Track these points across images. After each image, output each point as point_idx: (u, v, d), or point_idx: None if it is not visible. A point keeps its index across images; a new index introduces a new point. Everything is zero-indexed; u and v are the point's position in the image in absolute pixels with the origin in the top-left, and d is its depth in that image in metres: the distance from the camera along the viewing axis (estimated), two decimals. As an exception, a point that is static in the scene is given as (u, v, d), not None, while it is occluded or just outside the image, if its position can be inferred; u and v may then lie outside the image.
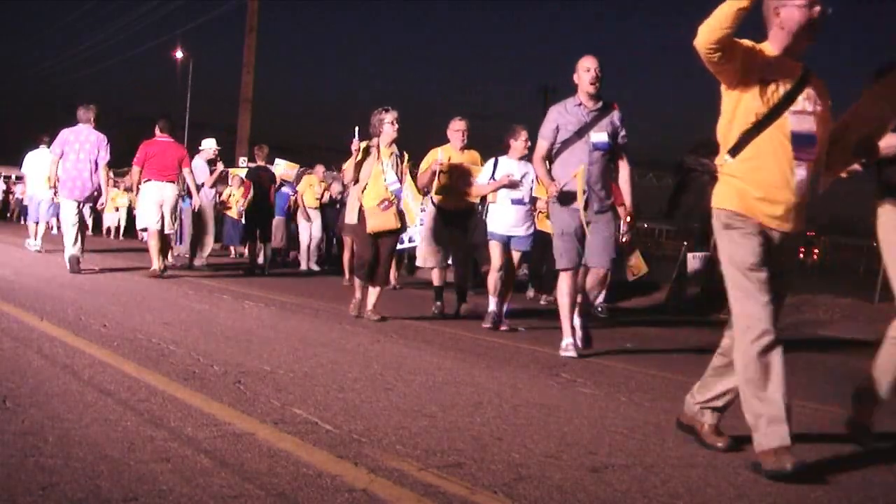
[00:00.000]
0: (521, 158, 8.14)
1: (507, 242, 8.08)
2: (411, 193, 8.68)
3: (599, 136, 6.43)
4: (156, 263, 10.61)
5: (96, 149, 10.35)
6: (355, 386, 4.68)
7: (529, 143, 7.92)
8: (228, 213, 15.86)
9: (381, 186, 7.82)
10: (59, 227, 12.71)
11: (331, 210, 14.90)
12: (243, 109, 22.37)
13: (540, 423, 4.14)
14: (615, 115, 6.53)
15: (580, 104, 6.50)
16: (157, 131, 11.02)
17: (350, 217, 8.01)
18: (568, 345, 6.43)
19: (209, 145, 13.30)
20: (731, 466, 3.58)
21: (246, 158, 22.20)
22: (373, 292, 7.98)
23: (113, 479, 2.80)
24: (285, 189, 15.16)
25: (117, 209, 22.53)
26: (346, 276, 11.69)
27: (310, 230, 14.82)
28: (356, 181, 7.91)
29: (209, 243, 13.21)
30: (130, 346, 5.37)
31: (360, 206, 7.83)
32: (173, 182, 10.84)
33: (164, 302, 8.19)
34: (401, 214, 8.06)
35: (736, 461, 3.67)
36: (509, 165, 8.17)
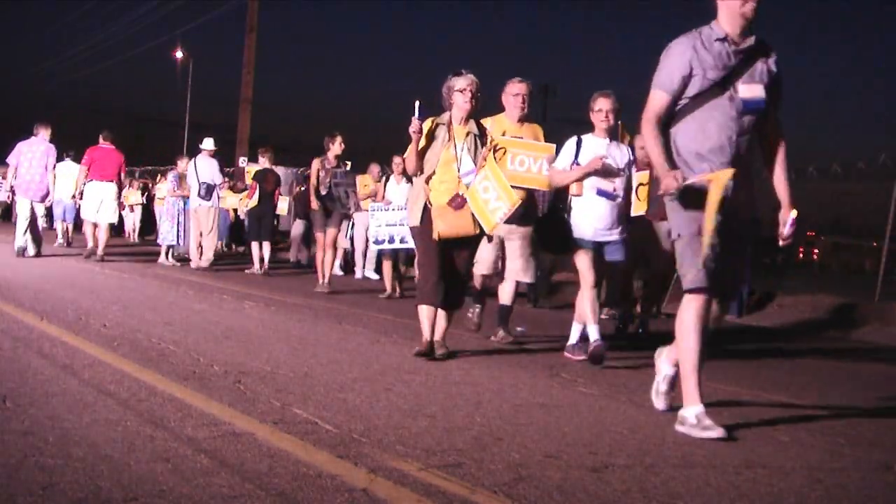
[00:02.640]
0: (612, 137, 6.30)
1: (598, 250, 6.18)
2: (496, 189, 5.82)
3: (752, 90, 4.12)
4: (90, 246, 13.14)
5: (46, 156, 12.41)
6: (355, 386, 4.68)
7: (614, 120, 6.22)
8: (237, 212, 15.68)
9: (454, 177, 5.91)
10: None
11: None
12: (243, 109, 22.33)
13: (540, 423, 4.14)
14: (772, 61, 4.22)
15: (725, 38, 4.11)
16: (101, 140, 12.95)
17: (412, 218, 6.12)
18: (707, 425, 4.03)
19: (208, 145, 13.36)
20: (731, 466, 3.58)
21: (246, 158, 22.20)
22: (441, 319, 6.03)
23: (113, 479, 2.80)
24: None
25: (132, 209, 22.38)
26: (320, 279, 10.71)
27: (366, 234, 13.44)
28: (420, 171, 6.08)
29: (210, 245, 13.18)
30: (130, 346, 5.37)
31: (426, 204, 5.98)
32: (112, 182, 12.89)
33: (164, 302, 8.19)
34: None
35: (736, 461, 3.67)
36: (597, 145, 6.16)
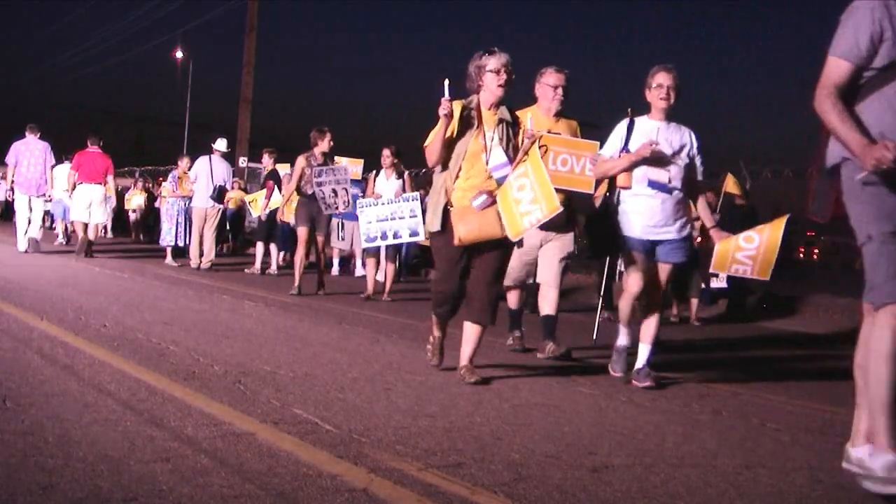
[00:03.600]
0: (669, 119, 5.32)
1: (650, 250, 5.33)
2: (535, 190, 4.88)
3: None
4: (86, 242, 13.46)
5: (43, 154, 13.15)
6: (355, 386, 4.68)
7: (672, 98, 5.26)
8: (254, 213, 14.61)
9: (482, 171, 5.08)
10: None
11: None
12: (243, 109, 22.36)
13: (540, 423, 4.14)
14: None
15: None
16: (88, 144, 13.48)
17: (432, 221, 5.19)
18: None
19: (221, 146, 13.26)
20: (731, 466, 3.58)
21: (246, 158, 22.22)
22: (470, 333, 5.16)
23: (113, 479, 2.80)
24: (354, 190, 12.57)
25: (135, 210, 22.29)
26: (297, 280, 10.16)
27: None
28: (444, 164, 5.14)
29: (211, 246, 13.14)
30: (130, 346, 5.37)
31: (447, 204, 5.10)
32: (100, 184, 13.43)
33: (164, 302, 8.19)
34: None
35: (736, 461, 3.67)
36: (649, 128, 5.27)
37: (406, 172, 10.38)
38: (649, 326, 5.39)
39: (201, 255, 13.00)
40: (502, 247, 5.13)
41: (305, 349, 5.88)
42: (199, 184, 12.96)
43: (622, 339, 5.58)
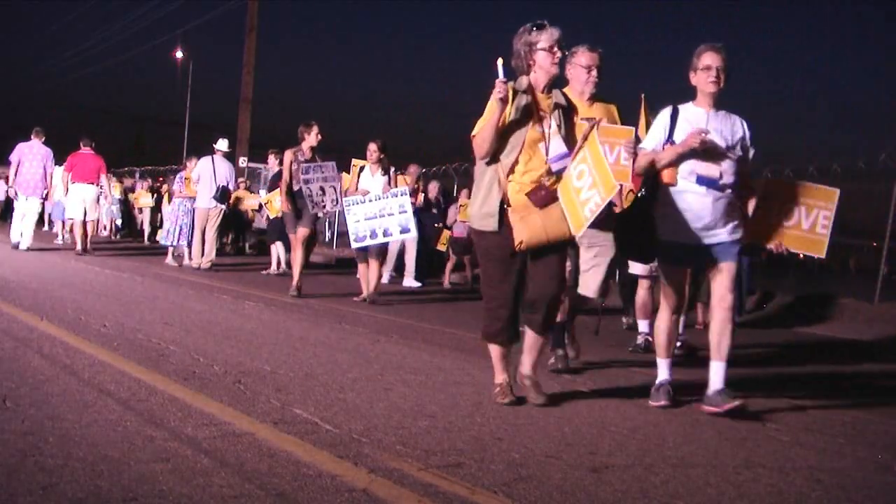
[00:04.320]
0: (718, 106, 4.71)
1: (695, 257, 4.70)
2: (592, 174, 4.28)
3: None
4: (79, 245, 13.88)
5: (44, 158, 13.83)
6: (355, 386, 4.68)
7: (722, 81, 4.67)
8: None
9: (541, 163, 4.45)
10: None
11: (426, 215, 13.10)
12: (243, 109, 22.35)
13: (540, 423, 4.14)
14: None
15: None
16: (81, 145, 13.99)
17: (482, 219, 4.50)
18: None
19: (223, 146, 13.27)
20: (731, 466, 3.59)
21: (246, 158, 22.21)
22: (530, 348, 4.64)
23: (113, 479, 2.80)
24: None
25: (141, 210, 22.16)
26: (295, 280, 9.86)
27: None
28: (493, 156, 4.48)
29: (213, 245, 13.12)
30: (130, 346, 5.37)
31: (503, 201, 4.44)
32: (93, 184, 13.98)
33: (164, 302, 8.19)
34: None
35: (736, 461, 3.68)
36: (696, 117, 4.68)
37: (392, 168, 9.91)
38: (721, 338, 4.59)
39: (196, 255, 13.04)
40: (563, 248, 4.58)
41: (305, 349, 5.88)
42: (202, 184, 12.94)
43: (663, 374, 4.78)
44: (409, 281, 12.70)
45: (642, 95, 5.08)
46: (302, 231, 9.94)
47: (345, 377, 4.91)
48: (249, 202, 15.65)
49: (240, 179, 18.96)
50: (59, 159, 14.76)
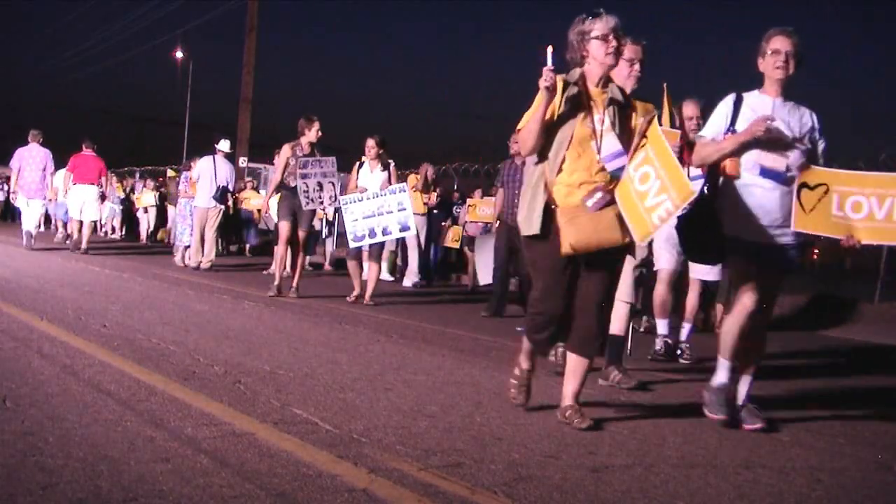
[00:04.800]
0: (786, 95, 4.34)
1: (762, 256, 4.28)
2: (662, 176, 3.88)
3: None
4: (84, 244, 14.28)
5: (44, 160, 14.26)
6: (355, 386, 4.68)
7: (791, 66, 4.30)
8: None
9: (592, 163, 4.08)
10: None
11: (437, 218, 12.87)
12: (243, 109, 22.34)
13: (540, 423, 4.14)
14: None
15: None
16: (83, 147, 14.41)
17: (527, 223, 4.15)
18: None
19: (224, 147, 13.28)
20: (731, 466, 3.59)
21: (246, 158, 22.21)
22: (574, 366, 4.21)
23: (113, 479, 2.80)
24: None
25: (146, 210, 22.00)
26: (276, 279, 9.56)
27: (417, 241, 12.40)
28: (541, 154, 4.15)
29: (212, 246, 13.13)
30: (130, 346, 5.37)
31: (550, 203, 4.08)
32: (94, 185, 14.45)
33: (164, 302, 8.19)
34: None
35: (736, 461, 3.68)
36: (762, 105, 4.33)
37: (392, 164, 9.53)
38: (737, 345, 4.31)
39: (195, 254, 13.05)
40: (619, 257, 4.19)
41: (305, 349, 5.88)
42: (202, 183, 12.97)
43: (721, 376, 4.35)
44: (411, 280, 12.53)
45: (665, 85, 4.87)
46: (300, 234, 9.62)
47: (345, 377, 4.91)
48: (255, 203, 15.68)
49: (247, 179, 18.99)
50: (58, 160, 14.94)
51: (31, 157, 14.31)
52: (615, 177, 4.04)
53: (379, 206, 9.01)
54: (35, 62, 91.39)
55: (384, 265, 12.99)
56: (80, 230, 14.39)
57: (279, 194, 10.07)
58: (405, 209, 9.01)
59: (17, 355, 4.82)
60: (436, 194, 12.98)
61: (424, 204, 12.56)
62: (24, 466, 2.86)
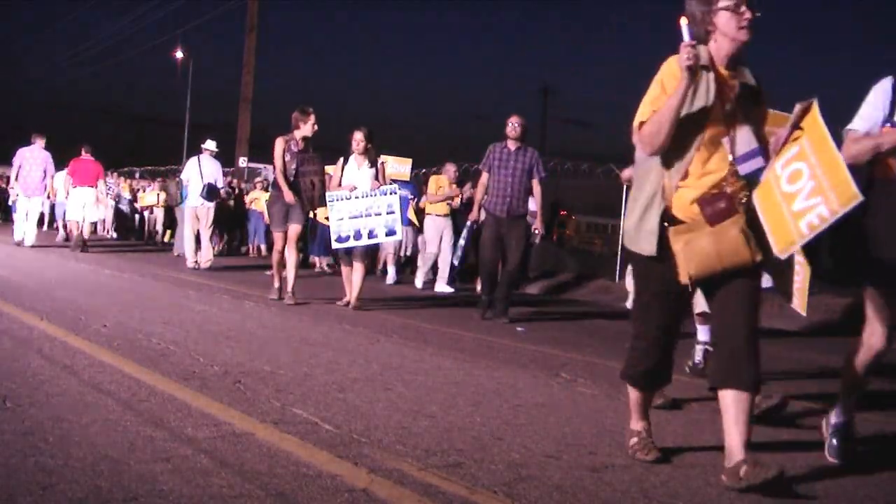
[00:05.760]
0: None
1: None
2: (818, 175, 3.13)
3: None
4: (75, 237, 14.85)
5: (44, 162, 14.89)
6: (355, 386, 4.68)
7: None
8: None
9: (723, 164, 3.33)
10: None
11: (462, 218, 11.78)
12: (243, 109, 22.36)
13: (540, 423, 4.14)
14: None
15: None
16: (83, 152, 14.97)
17: (637, 238, 3.43)
18: None
19: (210, 146, 13.53)
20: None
21: (246, 158, 22.22)
22: (736, 420, 3.25)
23: (113, 479, 2.80)
24: (402, 192, 10.32)
25: (151, 210, 21.79)
26: (276, 282, 9.12)
27: (439, 243, 12.00)
28: (661, 149, 3.32)
29: (208, 245, 13.16)
30: (130, 346, 5.37)
31: (667, 214, 3.36)
32: (93, 187, 15.01)
33: (164, 302, 8.19)
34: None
35: (736, 461, 3.66)
36: None
37: (380, 160, 9.06)
38: (858, 379, 3.77)
39: (190, 254, 13.13)
40: (752, 278, 3.34)
41: (305, 349, 5.88)
42: (191, 184, 13.31)
43: (840, 414, 3.82)
44: (441, 286, 11.84)
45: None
46: (293, 229, 8.91)
47: (345, 377, 4.91)
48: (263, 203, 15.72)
49: (256, 179, 19.03)
50: (58, 160, 15.46)
51: (33, 158, 14.86)
52: (750, 181, 3.32)
53: (367, 207, 8.51)
54: (35, 62, 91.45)
55: (390, 269, 12.90)
56: (80, 231, 14.83)
57: (269, 194, 9.91)
58: (394, 212, 8.52)
59: (17, 355, 4.82)
60: (466, 189, 12.27)
61: (448, 205, 12.09)
62: (24, 466, 2.86)
